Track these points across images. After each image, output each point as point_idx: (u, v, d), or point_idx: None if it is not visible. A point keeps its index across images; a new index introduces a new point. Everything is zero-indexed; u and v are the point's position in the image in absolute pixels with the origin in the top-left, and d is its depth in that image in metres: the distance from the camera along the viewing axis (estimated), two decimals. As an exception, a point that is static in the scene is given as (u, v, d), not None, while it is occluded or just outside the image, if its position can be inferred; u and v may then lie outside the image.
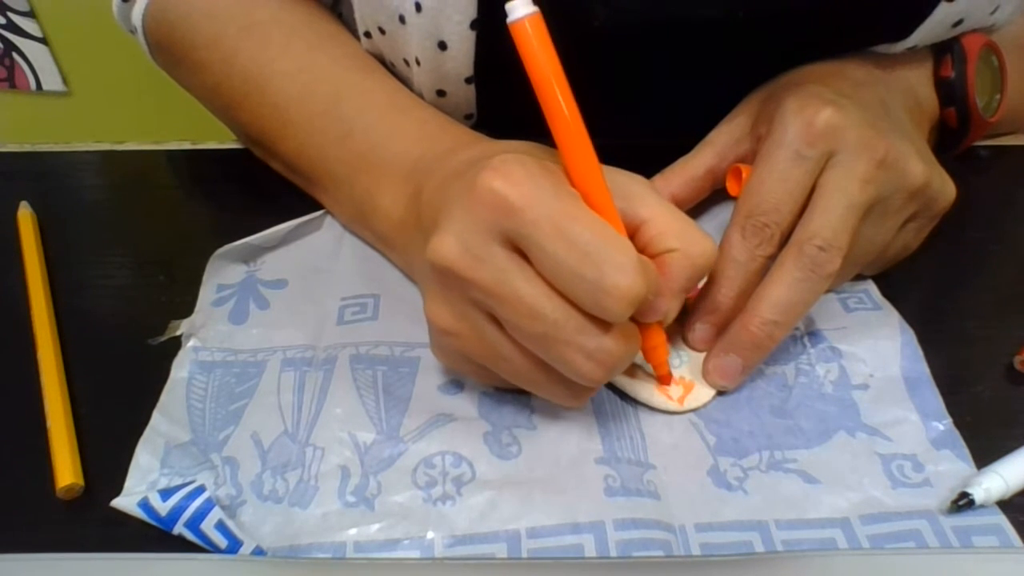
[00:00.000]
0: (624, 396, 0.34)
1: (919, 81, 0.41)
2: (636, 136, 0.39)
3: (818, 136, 0.32)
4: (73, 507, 0.31)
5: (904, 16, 0.38)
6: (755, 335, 0.32)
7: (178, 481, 0.30)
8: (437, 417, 0.33)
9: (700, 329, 0.34)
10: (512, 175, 0.27)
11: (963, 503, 0.29)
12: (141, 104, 1.08)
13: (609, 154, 0.29)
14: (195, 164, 0.51)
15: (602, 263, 0.26)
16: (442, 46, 0.38)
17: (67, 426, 0.32)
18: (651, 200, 0.29)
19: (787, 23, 0.37)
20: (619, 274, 0.26)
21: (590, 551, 0.28)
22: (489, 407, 0.33)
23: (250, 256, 0.41)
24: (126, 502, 0.29)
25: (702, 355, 0.34)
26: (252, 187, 0.46)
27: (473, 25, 0.37)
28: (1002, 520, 0.29)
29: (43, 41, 1.10)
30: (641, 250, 0.28)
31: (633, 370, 0.33)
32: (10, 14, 1.07)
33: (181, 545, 0.29)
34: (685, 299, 0.31)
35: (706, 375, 0.34)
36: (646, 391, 0.33)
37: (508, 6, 0.27)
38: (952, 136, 0.43)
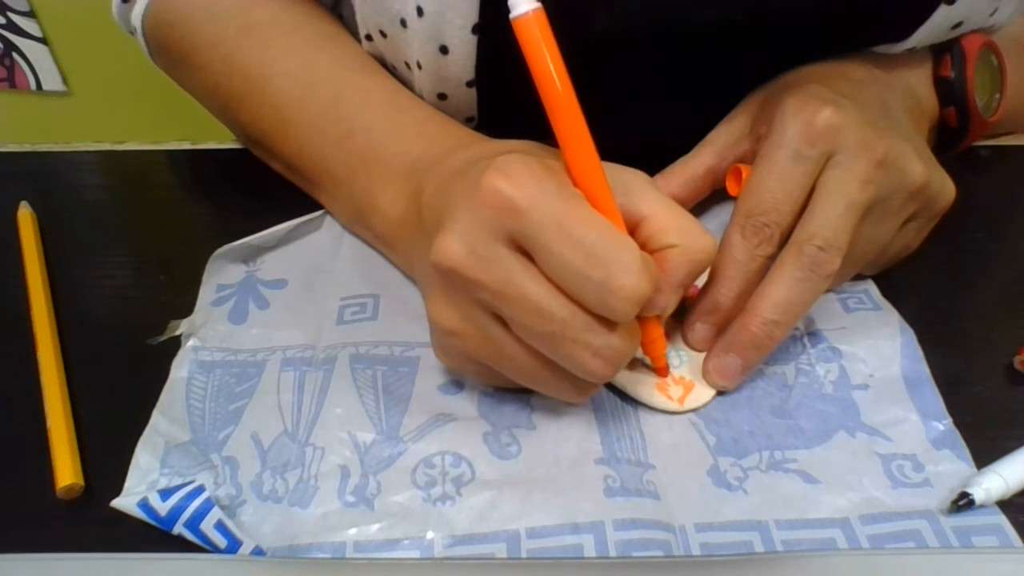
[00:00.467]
0: (624, 396, 0.34)
1: (919, 81, 0.41)
2: (637, 138, 0.39)
3: (818, 136, 0.32)
4: (73, 507, 0.31)
5: (903, 18, 0.38)
6: (755, 335, 0.32)
7: (178, 481, 0.30)
8: (437, 417, 0.33)
9: (700, 329, 0.34)
10: (516, 175, 0.27)
11: (963, 503, 0.29)
12: (141, 104, 1.08)
13: (609, 154, 0.29)
14: (195, 164, 0.51)
15: (608, 264, 0.26)
16: (443, 50, 0.38)
17: (67, 426, 0.32)
18: (651, 196, 0.29)
19: (786, 25, 0.37)
20: (625, 275, 0.26)
21: (590, 551, 0.28)
22: (489, 407, 0.33)
23: (250, 256, 0.41)
24: (126, 502, 0.29)
25: (702, 355, 0.34)
26: (252, 187, 0.46)
27: (475, 29, 0.37)
28: (1002, 520, 0.29)
29: (43, 41, 1.10)
30: (641, 246, 0.28)
31: (633, 363, 0.33)
32: (10, 14, 1.07)
33: (181, 545, 0.29)
34: (684, 298, 0.31)
35: (706, 375, 0.34)
36: (646, 391, 0.33)
37: (511, 2, 0.27)
38: (952, 136, 0.43)
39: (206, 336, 0.37)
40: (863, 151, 0.32)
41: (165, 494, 0.29)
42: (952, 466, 0.31)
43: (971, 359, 0.35)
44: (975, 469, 0.31)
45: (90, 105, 1.18)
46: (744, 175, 0.36)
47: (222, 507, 0.29)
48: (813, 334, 0.36)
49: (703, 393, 0.33)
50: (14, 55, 1.12)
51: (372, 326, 0.37)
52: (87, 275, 0.41)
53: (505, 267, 0.27)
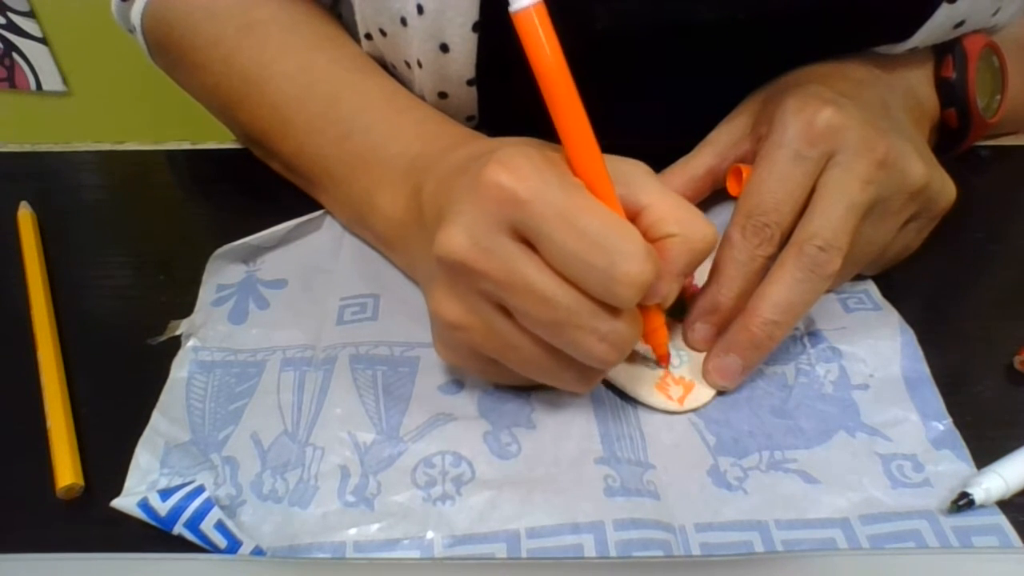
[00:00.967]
0: (624, 396, 0.34)
1: (920, 81, 0.41)
2: (638, 137, 0.39)
3: (818, 136, 0.32)
4: (73, 507, 0.31)
5: (905, 17, 0.38)
6: (755, 335, 0.32)
7: (178, 481, 0.30)
8: (437, 417, 0.33)
9: (700, 329, 0.34)
10: (518, 168, 0.27)
11: (963, 503, 0.29)
12: (141, 104, 1.08)
13: (611, 153, 0.29)
14: (195, 164, 0.51)
15: (612, 252, 0.26)
16: (444, 48, 0.38)
17: (67, 426, 0.32)
18: (651, 186, 0.29)
19: (787, 25, 0.37)
20: (629, 262, 0.26)
21: (590, 551, 0.28)
22: (489, 407, 0.33)
23: (250, 256, 0.41)
24: (126, 502, 0.29)
25: (702, 355, 0.34)
26: (252, 187, 0.46)
27: (475, 27, 0.37)
28: (1002, 520, 0.29)
29: (43, 41, 1.11)
30: (642, 235, 0.29)
31: (633, 357, 0.33)
32: (10, 14, 1.07)
33: (181, 545, 0.29)
34: (684, 297, 0.31)
35: (706, 375, 0.34)
36: (646, 391, 0.33)
37: None
38: (952, 136, 0.43)
39: (206, 336, 0.37)
40: (864, 151, 0.32)
41: (165, 494, 0.29)
42: (952, 466, 0.31)
43: (971, 359, 0.35)
44: (975, 469, 0.31)
45: (90, 105, 1.18)
46: (744, 175, 0.36)
47: (222, 507, 0.29)
48: (813, 334, 0.36)
49: (703, 393, 0.33)
50: (14, 55, 1.12)
51: (372, 326, 0.37)
52: (87, 275, 0.41)
53: (509, 257, 0.27)
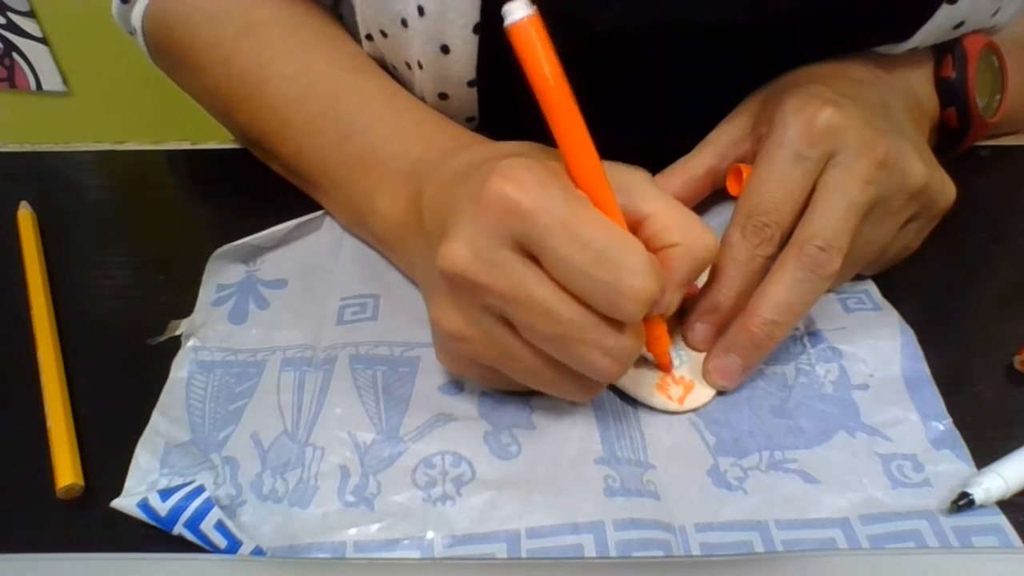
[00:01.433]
0: (624, 396, 0.33)
1: (920, 81, 0.41)
2: (638, 138, 0.39)
3: (818, 136, 0.32)
4: (73, 507, 0.31)
5: (905, 18, 0.38)
6: (755, 335, 0.32)
7: (178, 481, 0.30)
8: (437, 417, 0.33)
9: (700, 329, 0.34)
10: (520, 180, 0.27)
11: (963, 503, 0.29)
12: (141, 104, 1.08)
13: (610, 155, 0.29)
14: (195, 164, 0.51)
15: (617, 266, 0.26)
16: (444, 50, 0.38)
17: (67, 426, 0.32)
18: (652, 194, 0.29)
19: (787, 26, 0.37)
20: (634, 276, 0.26)
21: (590, 551, 0.28)
22: (489, 407, 0.33)
23: (249, 256, 0.41)
24: (126, 503, 0.29)
25: (702, 355, 0.34)
26: (252, 187, 0.46)
27: (476, 29, 0.37)
28: (1002, 520, 0.29)
29: (43, 41, 1.11)
30: (643, 244, 0.28)
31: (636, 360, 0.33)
32: (10, 14, 1.08)
33: (181, 545, 0.29)
34: (684, 297, 0.31)
35: (706, 375, 0.34)
36: (646, 391, 0.33)
37: (506, 8, 0.27)
38: (952, 136, 0.43)
39: (206, 336, 0.37)
40: (864, 151, 0.32)
41: (165, 494, 0.29)
42: (952, 466, 0.31)
43: (971, 359, 0.35)
44: (975, 469, 0.31)
45: (90, 105, 1.18)
46: (745, 175, 0.36)
47: (222, 507, 0.29)
48: (813, 334, 0.36)
49: (703, 393, 0.33)
50: (14, 55, 1.12)
51: (372, 326, 0.37)
52: (87, 275, 0.41)
53: (513, 271, 0.27)
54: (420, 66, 0.39)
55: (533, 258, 0.27)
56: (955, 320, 0.37)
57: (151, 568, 0.27)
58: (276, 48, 0.42)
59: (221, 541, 0.28)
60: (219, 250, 0.39)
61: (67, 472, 0.31)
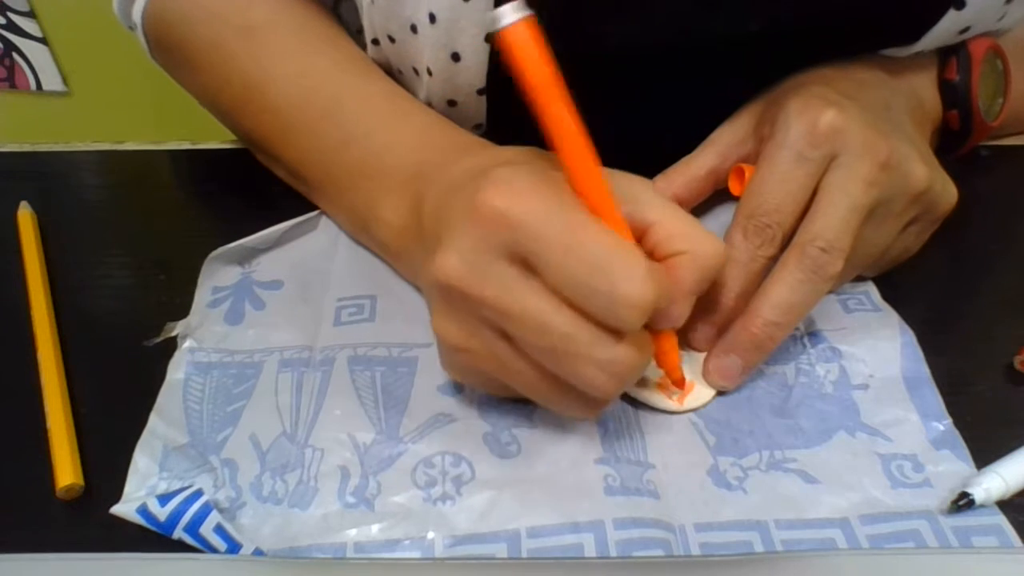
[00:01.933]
0: (624, 396, 0.33)
1: (923, 83, 0.41)
2: (644, 145, 0.39)
3: (821, 137, 0.32)
4: (73, 507, 0.31)
5: (911, 23, 0.38)
6: (756, 336, 0.32)
7: (177, 485, 0.30)
8: (437, 417, 0.33)
9: (701, 329, 0.34)
10: (514, 189, 0.26)
11: (963, 503, 0.29)
12: (141, 104, 1.08)
13: (617, 164, 0.29)
14: (195, 164, 0.51)
15: (612, 273, 0.25)
16: (455, 57, 0.37)
17: (67, 426, 0.32)
18: (656, 203, 0.29)
19: (796, 36, 0.37)
20: (630, 284, 0.25)
21: (590, 551, 0.28)
22: (489, 407, 0.33)
23: (245, 258, 0.40)
24: (125, 508, 0.29)
25: (702, 355, 0.34)
26: (252, 187, 0.46)
27: (487, 37, 0.36)
28: (1002, 520, 0.29)
29: (43, 41, 1.10)
30: (649, 253, 0.28)
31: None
32: (10, 14, 1.07)
33: (181, 545, 0.29)
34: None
35: (706, 375, 0.34)
36: (646, 390, 0.33)
37: (497, 12, 0.25)
38: (953, 138, 0.43)
39: (203, 337, 0.36)
40: (867, 153, 0.32)
41: (163, 499, 0.29)
42: (952, 466, 0.31)
43: (971, 359, 0.35)
44: (975, 469, 0.31)
45: (90, 105, 1.18)
46: (747, 175, 0.36)
47: (222, 510, 0.29)
48: (813, 334, 0.36)
49: (703, 393, 0.33)
50: (14, 55, 1.12)
51: (370, 327, 0.37)
52: (87, 275, 0.41)
53: (506, 282, 0.27)
54: (429, 72, 0.39)
55: (530, 269, 0.27)
56: (955, 320, 0.37)
57: (151, 568, 0.27)
58: (277, 51, 0.41)
59: (221, 544, 0.28)
60: (214, 252, 0.39)
61: (67, 472, 0.31)
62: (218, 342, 0.36)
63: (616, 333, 0.27)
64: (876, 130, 0.33)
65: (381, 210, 0.36)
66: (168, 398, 0.34)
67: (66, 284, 0.40)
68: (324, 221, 0.42)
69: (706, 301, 0.34)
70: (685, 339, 0.35)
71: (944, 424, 0.32)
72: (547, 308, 0.26)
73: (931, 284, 0.39)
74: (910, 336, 0.35)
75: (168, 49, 0.46)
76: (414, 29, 0.38)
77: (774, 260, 0.33)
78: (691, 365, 0.34)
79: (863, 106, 0.34)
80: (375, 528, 0.29)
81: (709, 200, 0.40)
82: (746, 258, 0.33)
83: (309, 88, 0.40)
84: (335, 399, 0.33)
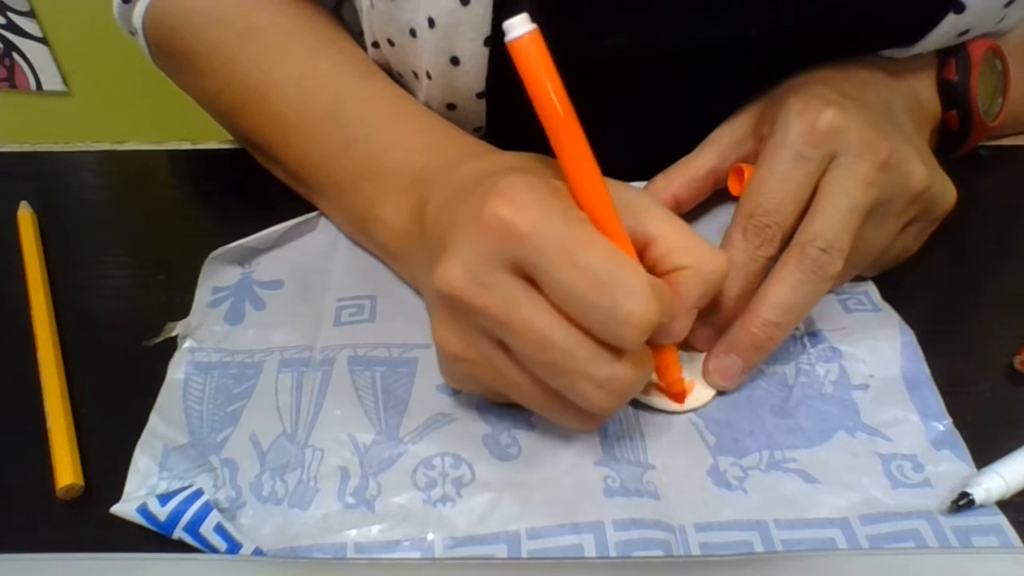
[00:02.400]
0: (624, 396, 0.33)
1: (922, 83, 0.41)
2: (643, 149, 0.39)
3: (821, 137, 0.32)
4: (73, 507, 0.31)
5: (911, 26, 0.38)
6: (756, 336, 0.32)
7: (177, 484, 0.30)
8: (436, 417, 0.33)
9: (701, 329, 0.34)
10: (519, 200, 0.26)
11: (963, 503, 0.29)
12: (141, 104, 1.08)
13: (617, 169, 0.29)
14: (195, 164, 0.51)
15: (615, 290, 0.25)
16: (455, 61, 0.37)
17: (67, 426, 0.32)
18: (660, 216, 0.29)
19: (795, 39, 0.37)
20: (632, 301, 0.25)
21: (590, 551, 0.28)
22: (489, 407, 0.33)
23: (245, 258, 0.40)
24: (125, 508, 0.29)
25: (702, 355, 0.34)
26: (252, 187, 0.46)
27: (487, 42, 0.36)
28: (1002, 520, 0.29)
29: (43, 41, 1.10)
30: (651, 267, 0.28)
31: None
32: (10, 14, 1.07)
33: (181, 545, 0.29)
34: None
35: (706, 375, 0.34)
36: (646, 391, 0.33)
37: (506, 24, 0.26)
38: (953, 139, 0.43)
39: (203, 337, 0.36)
40: (866, 153, 0.32)
41: (163, 499, 0.29)
42: (952, 466, 0.31)
43: (971, 359, 0.35)
44: (975, 469, 0.31)
45: (90, 105, 1.18)
46: (746, 175, 0.36)
47: (222, 510, 0.29)
48: (813, 334, 0.36)
49: (703, 393, 0.33)
50: (14, 55, 1.12)
51: (370, 328, 0.37)
52: (87, 275, 0.41)
53: (507, 294, 0.26)
54: (428, 76, 0.39)
55: (533, 282, 0.27)
56: (955, 320, 0.37)
57: (150, 568, 0.27)
58: (278, 53, 0.41)
59: (221, 544, 0.28)
60: (214, 252, 0.39)
61: (67, 472, 0.31)
62: (218, 342, 0.36)
63: (616, 350, 0.27)
64: (876, 130, 0.33)
65: (381, 212, 0.36)
66: (168, 398, 0.34)
67: (66, 284, 0.40)
68: (324, 221, 0.42)
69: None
70: (685, 339, 0.34)
71: (944, 424, 0.32)
72: (548, 322, 0.26)
73: (931, 284, 0.39)
74: (910, 336, 0.35)
75: (169, 53, 0.46)
76: (413, 33, 0.38)
77: (774, 260, 0.33)
78: (691, 365, 0.34)
79: (863, 106, 0.34)
80: (375, 529, 0.29)
81: (709, 200, 0.40)
82: (746, 258, 0.33)
83: (310, 90, 0.40)
84: (335, 399, 0.33)
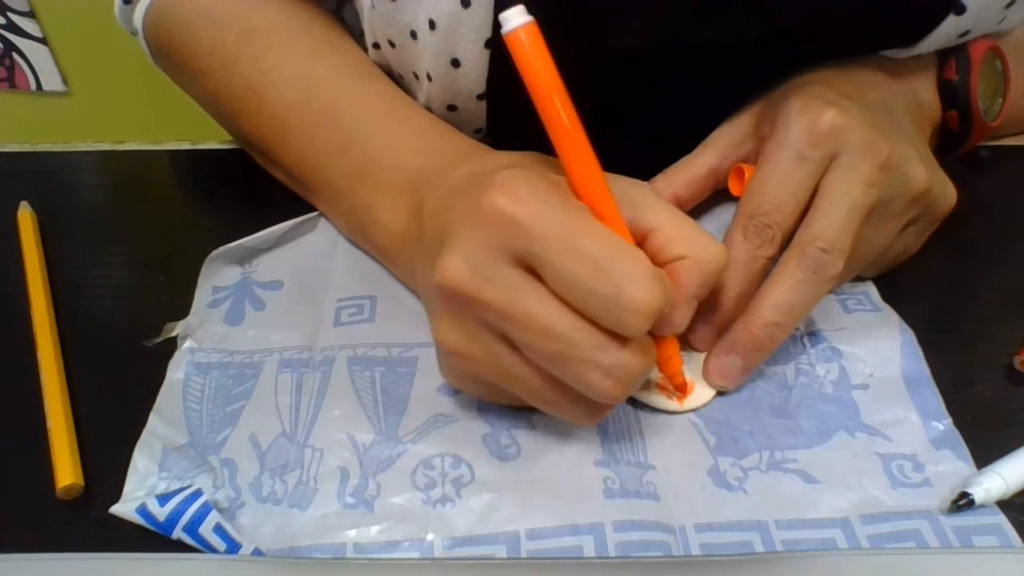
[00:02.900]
0: (624, 396, 0.33)
1: (922, 84, 0.41)
2: (645, 149, 0.39)
3: (821, 137, 0.32)
4: (73, 507, 0.31)
5: (911, 27, 0.38)
6: (756, 336, 0.32)
7: (176, 485, 0.30)
8: (436, 417, 0.33)
9: (701, 329, 0.34)
10: (518, 192, 0.26)
11: (963, 503, 0.29)
12: (141, 104, 1.08)
13: (619, 169, 0.29)
14: (195, 164, 0.51)
15: (617, 277, 0.25)
16: (455, 63, 0.37)
17: (67, 426, 0.32)
18: (658, 207, 0.29)
19: (797, 40, 0.37)
20: (635, 287, 0.25)
21: (589, 552, 0.28)
22: (488, 407, 0.33)
23: (245, 258, 0.40)
24: (124, 508, 0.29)
25: (702, 355, 0.34)
26: (252, 187, 0.46)
27: (487, 44, 0.36)
28: (1002, 520, 0.29)
29: (43, 41, 1.10)
30: (650, 258, 0.28)
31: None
32: (10, 14, 1.07)
33: (180, 545, 0.29)
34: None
35: (706, 375, 0.34)
36: (646, 391, 0.33)
37: (502, 16, 0.26)
38: (953, 139, 0.43)
39: (202, 337, 0.36)
40: (867, 153, 0.32)
41: (163, 499, 0.29)
42: (952, 466, 0.31)
43: (971, 359, 0.35)
44: (975, 469, 0.31)
45: (90, 105, 1.18)
46: (747, 175, 0.36)
47: (221, 510, 0.29)
48: (813, 334, 0.36)
49: (703, 393, 0.33)
50: (14, 55, 1.12)
51: (369, 328, 0.37)
52: (87, 275, 0.41)
53: (510, 286, 0.26)
54: (429, 78, 0.39)
55: (534, 273, 0.27)
56: (955, 320, 0.37)
57: (150, 568, 0.27)
58: (277, 54, 0.41)
59: (220, 544, 0.28)
60: (214, 252, 0.39)
61: (67, 472, 0.31)
62: (218, 342, 0.36)
63: (620, 338, 0.27)
64: (877, 130, 0.33)
65: (379, 214, 0.36)
66: (168, 398, 0.34)
67: (66, 284, 0.40)
68: (324, 222, 0.42)
69: (706, 301, 0.33)
70: (685, 339, 0.35)
71: (944, 424, 0.32)
72: (551, 312, 0.26)
73: (931, 284, 0.39)
74: (910, 336, 0.35)
75: (169, 54, 0.46)
76: (414, 35, 0.38)
77: (774, 260, 0.33)
78: (691, 365, 0.34)
79: (863, 106, 0.34)
80: (374, 529, 0.29)
81: (709, 200, 0.40)
82: (746, 258, 0.33)
83: (308, 91, 0.40)
84: (335, 399, 0.33)
